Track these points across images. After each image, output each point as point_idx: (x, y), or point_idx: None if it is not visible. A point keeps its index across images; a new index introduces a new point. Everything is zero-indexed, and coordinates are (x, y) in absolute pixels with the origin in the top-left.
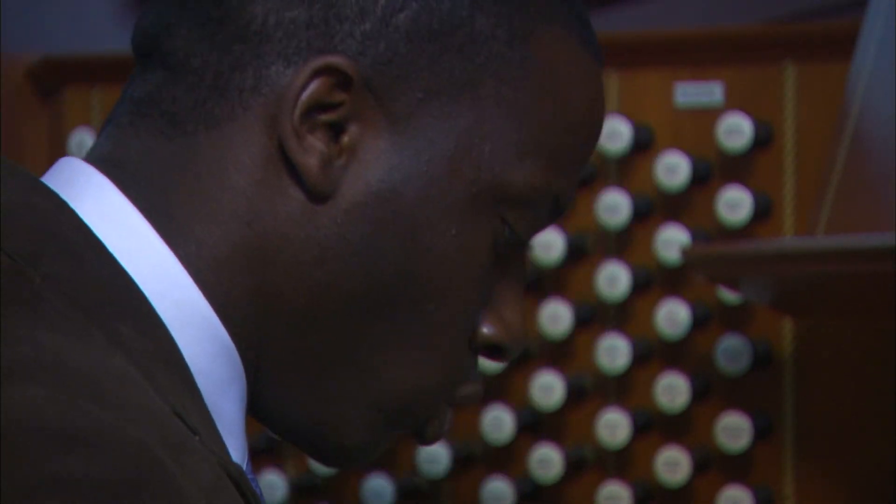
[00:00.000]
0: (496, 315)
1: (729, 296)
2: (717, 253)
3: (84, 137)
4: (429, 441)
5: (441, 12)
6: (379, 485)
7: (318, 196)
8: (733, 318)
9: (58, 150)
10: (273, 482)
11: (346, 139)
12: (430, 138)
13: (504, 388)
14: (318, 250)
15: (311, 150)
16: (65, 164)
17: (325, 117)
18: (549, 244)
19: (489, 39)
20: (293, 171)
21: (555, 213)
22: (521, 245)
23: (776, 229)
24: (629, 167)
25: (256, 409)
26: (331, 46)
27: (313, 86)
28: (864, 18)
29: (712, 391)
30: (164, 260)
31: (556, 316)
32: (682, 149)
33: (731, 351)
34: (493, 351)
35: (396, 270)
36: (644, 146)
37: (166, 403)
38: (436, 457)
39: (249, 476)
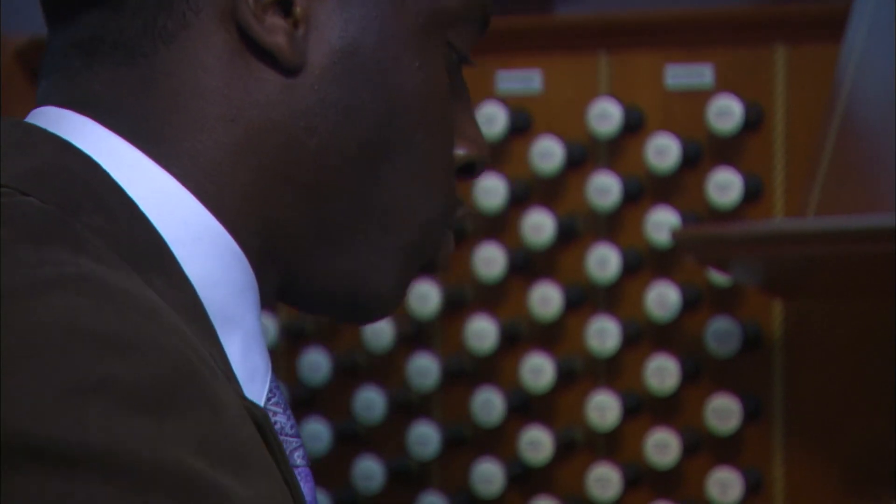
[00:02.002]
0: (462, 135)
1: (719, 278)
2: (707, 235)
3: None
4: (442, 266)
5: None
6: (369, 466)
7: (291, 70)
8: (723, 301)
9: None
10: None
11: (297, 10)
12: None
13: (494, 370)
14: (304, 121)
15: (275, 29)
16: (39, 114)
17: None
18: (540, 226)
19: None
20: (261, 55)
21: (484, 25)
22: (461, 64)
23: (766, 211)
24: (619, 149)
25: (289, 296)
26: None
27: None
28: (854, 0)
29: (702, 373)
30: (164, 183)
31: (547, 298)
32: (673, 131)
33: (720, 333)
34: (466, 169)
35: (381, 115)
36: (634, 128)
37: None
38: (426, 438)
39: (274, 384)
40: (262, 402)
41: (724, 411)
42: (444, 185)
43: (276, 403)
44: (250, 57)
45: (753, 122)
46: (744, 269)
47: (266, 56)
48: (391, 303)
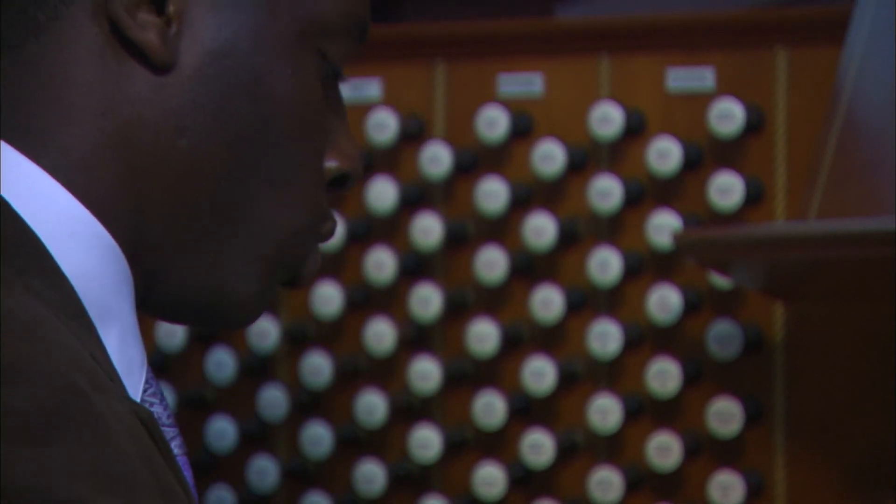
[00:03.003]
0: (335, 147)
1: (720, 281)
2: (708, 238)
3: None
4: (306, 280)
5: None
6: (371, 470)
7: (162, 68)
8: (724, 303)
9: None
10: (265, 468)
11: (171, 8)
12: None
13: (496, 374)
14: (175, 120)
15: (147, 26)
16: None
17: None
18: (541, 229)
19: None
20: (132, 51)
21: (361, 39)
22: (336, 78)
23: (768, 214)
24: (621, 152)
25: (149, 302)
26: None
27: None
28: (855, 2)
29: (703, 376)
30: (34, 177)
31: (548, 301)
32: (674, 134)
33: (722, 336)
34: (338, 182)
35: (251, 120)
36: (636, 131)
37: (84, 348)
38: (427, 442)
39: (150, 374)
40: (139, 394)
41: (725, 414)
42: (311, 196)
43: (153, 394)
44: (122, 52)
45: (754, 125)
46: (745, 272)
47: (137, 52)
48: (251, 312)
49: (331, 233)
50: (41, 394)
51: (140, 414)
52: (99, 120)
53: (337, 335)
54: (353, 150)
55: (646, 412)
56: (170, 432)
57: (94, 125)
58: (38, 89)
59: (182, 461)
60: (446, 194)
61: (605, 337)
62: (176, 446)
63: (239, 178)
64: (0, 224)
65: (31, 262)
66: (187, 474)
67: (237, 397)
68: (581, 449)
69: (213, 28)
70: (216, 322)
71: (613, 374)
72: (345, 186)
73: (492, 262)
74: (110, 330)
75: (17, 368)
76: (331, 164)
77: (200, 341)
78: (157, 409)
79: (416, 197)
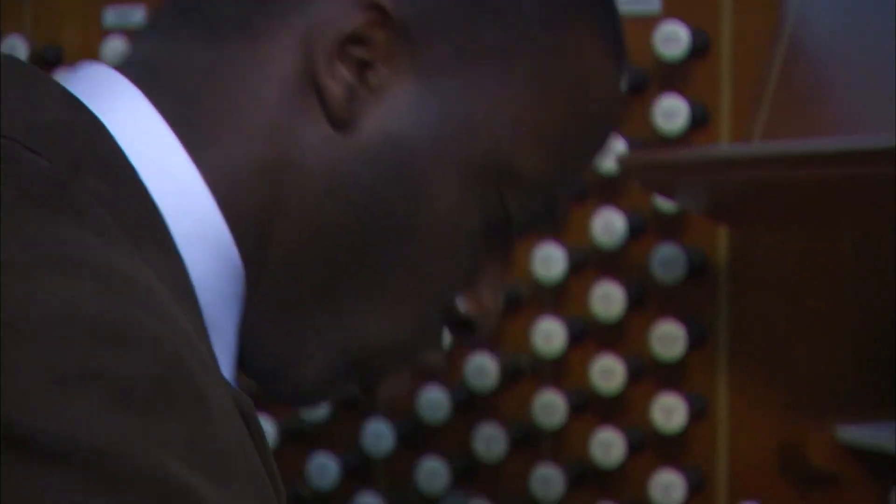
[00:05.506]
0: (473, 290)
1: (665, 205)
2: (652, 160)
3: (16, 44)
4: (381, 398)
5: None
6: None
7: (337, 124)
8: (669, 227)
9: None
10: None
11: (373, 78)
12: (455, 98)
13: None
14: (329, 181)
15: (338, 77)
16: (91, 70)
17: (358, 52)
18: None
19: (530, 18)
20: (319, 94)
21: (545, 214)
22: (510, 229)
23: (713, 138)
24: None
25: None
26: None
27: (357, 17)
28: None
29: (647, 300)
30: (189, 175)
31: None
32: None
33: (666, 260)
34: (461, 325)
35: (395, 218)
36: None
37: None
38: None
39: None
40: None
41: (668, 338)
42: (418, 320)
43: None
44: (309, 91)
45: (700, 48)
46: (689, 196)
47: (321, 97)
48: (306, 398)
49: (433, 365)
50: (150, 363)
51: (239, 402)
52: (266, 144)
53: None
54: (490, 304)
55: (590, 335)
56: None
57: (259, 147)
58: (224, 88)
59: None
60: None
61: (550, 261)
62: None
63: (356, 266)
64: (120, 195)
65: (149, 232)
66: None
67: None
68: (526, 373)
69: (404, 117)
70: (267, 388)
71: (558, 297)
72: (465, 332)
73: None
74: (213, 343)
75: (130, 334)
76: (459, 303)
77: None
78: None
79: None
